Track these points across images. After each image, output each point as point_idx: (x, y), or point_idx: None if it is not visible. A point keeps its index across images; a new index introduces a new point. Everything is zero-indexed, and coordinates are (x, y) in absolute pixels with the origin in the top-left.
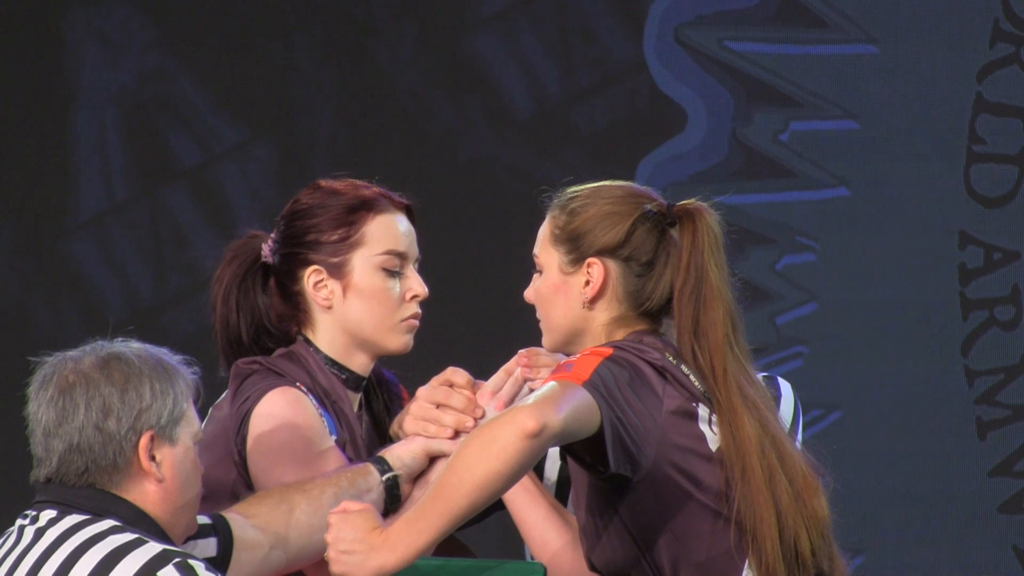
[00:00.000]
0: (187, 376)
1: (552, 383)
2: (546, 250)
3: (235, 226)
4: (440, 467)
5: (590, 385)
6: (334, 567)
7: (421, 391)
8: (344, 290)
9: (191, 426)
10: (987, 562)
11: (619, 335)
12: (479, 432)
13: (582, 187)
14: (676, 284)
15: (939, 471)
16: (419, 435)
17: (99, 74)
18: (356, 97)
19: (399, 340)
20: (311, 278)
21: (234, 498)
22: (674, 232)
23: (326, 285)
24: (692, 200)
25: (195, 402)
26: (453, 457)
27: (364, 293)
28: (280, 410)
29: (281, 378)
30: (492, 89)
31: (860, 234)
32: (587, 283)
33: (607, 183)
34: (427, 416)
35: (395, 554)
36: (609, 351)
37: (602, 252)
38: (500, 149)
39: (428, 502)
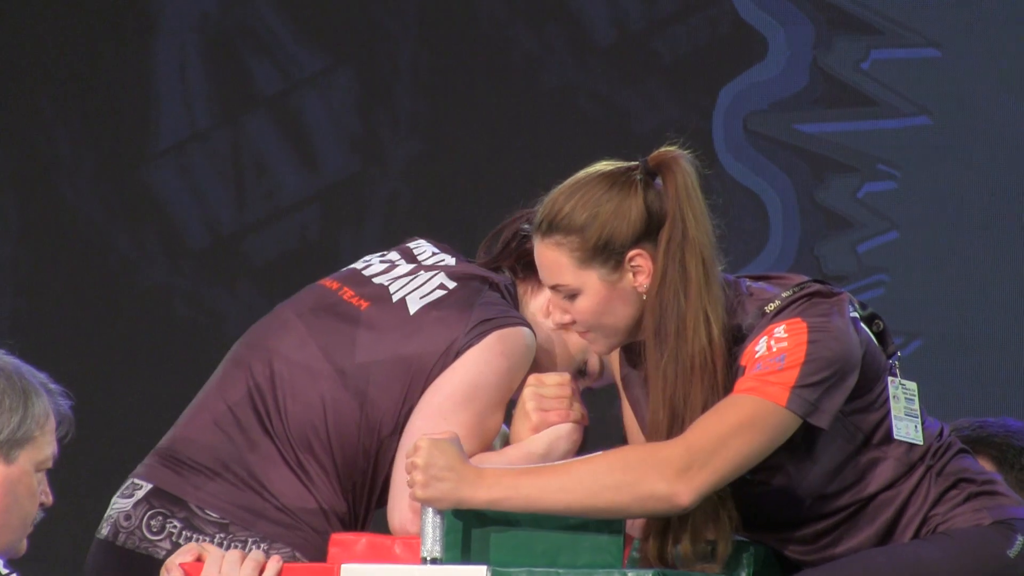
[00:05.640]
0: (52, 404)
1: (746, 410)
2: (575, 274)
3: (316, 153)
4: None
5: (796, 398)
6: (419, 491)
7: (525, 392)
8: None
9: (37, 453)
10: None
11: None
12: (635, 457)
13: (557, 200)
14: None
15: (1022, 397)
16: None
17: (181, 0)
18: (437, 24)
19: None
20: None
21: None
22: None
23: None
24: (664, 150)
25: (59, 432)
26: (596, 456)
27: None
28: (519, 354)
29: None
30: (573, 16)
31: (941, 162)
32: (635, 275)
33: (575, 181)
34: (542, 406)
35: (484, 495)
36: (803, 326)
37: (637, 241)
38: (582, 77)
39: (540, 473)
